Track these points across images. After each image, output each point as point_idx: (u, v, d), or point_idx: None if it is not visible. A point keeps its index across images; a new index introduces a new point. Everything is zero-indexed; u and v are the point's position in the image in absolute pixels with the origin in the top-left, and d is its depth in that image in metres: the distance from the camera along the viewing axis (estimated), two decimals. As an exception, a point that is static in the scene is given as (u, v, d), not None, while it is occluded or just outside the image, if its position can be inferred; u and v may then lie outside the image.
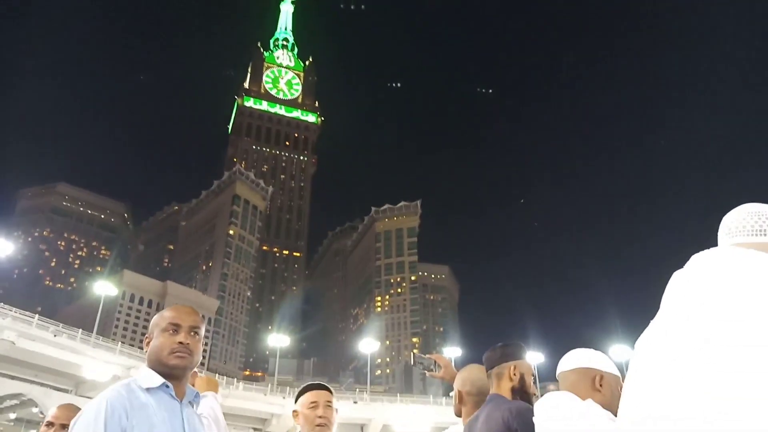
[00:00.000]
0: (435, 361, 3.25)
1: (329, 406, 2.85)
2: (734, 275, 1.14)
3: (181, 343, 2.02)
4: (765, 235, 1.33)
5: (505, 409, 2.27)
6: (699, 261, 1.25)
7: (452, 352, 61.25)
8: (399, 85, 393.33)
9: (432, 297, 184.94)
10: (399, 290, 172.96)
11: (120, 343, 48.92)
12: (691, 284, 1.19)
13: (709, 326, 1.06)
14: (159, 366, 1.99)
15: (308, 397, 2.89)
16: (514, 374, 2.50)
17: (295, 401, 2.98)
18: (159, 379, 1.93)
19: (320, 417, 2.78)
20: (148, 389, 1.91)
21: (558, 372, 2.05)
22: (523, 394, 2.46)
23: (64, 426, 2.86)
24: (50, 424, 3.03)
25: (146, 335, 2.08)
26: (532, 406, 1.99)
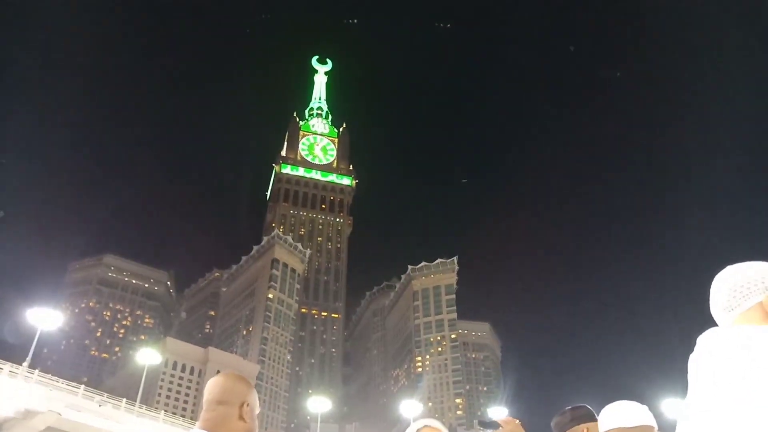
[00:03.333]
0: (499, 425, 3.15)
1: None
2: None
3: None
4: (735, 309, 1.36)
5: None
6: (705, 343, 1.27)
7: (498, 412, 59.35)
8: (430, 142, 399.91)
9: (474, 355, 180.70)
10: (439, 349, 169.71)
11: (163, 411, 49.31)
12: (706, 370, 1.22)
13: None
14: None
15: None
16: None
17: None
18: None
19: None
20: None
21: (619, 427, 2.03)
22: None
23: None
24: None
25: (245, 406, 1.93)
26: None
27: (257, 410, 1.97)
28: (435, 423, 3.07)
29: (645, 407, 2.03)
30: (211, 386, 1.93)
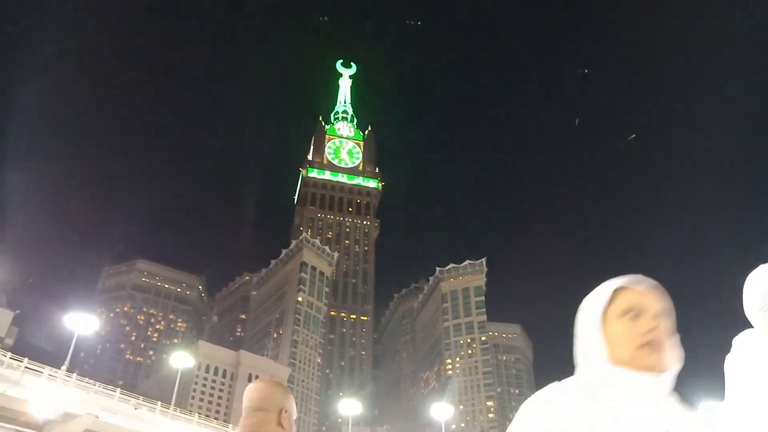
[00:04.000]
0: None
1: None
2: None
3: None
4: None
5: None
6: (741, 345, 1.26)
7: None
8: (455, 143, 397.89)
9: (504, 357, 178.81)
10: (470, 351, 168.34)
11: (197, 414, 49.85)
12: (743, 373, 1.21)
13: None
14: None
15: None
16: None
17: None
18: None
19: None
20: None
21: None
22: None
23: None
24: None
25: (283, 413, 1.97)
26: None
27: (295, 416, 2.02)
28: None
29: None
30: (250, 393, 1.97)
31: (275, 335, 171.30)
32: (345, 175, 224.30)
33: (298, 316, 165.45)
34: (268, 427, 1.91)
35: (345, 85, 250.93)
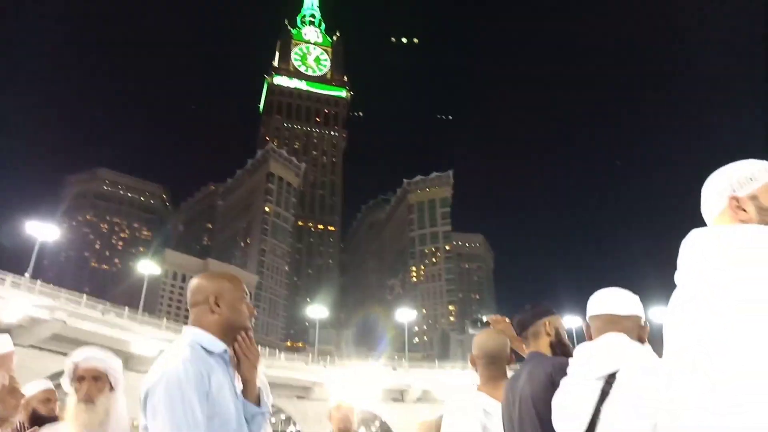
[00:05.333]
0: (480, 320, 3.25)
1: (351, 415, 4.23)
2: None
3: (252, 312, 2.07)
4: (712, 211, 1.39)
5: (548, 365, 2.28)
6: (684, 244, 1.29)
7: (489, 314, 61.32)
8: (427, 55, 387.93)
9: (467, 266, 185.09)
10: (434, 260, 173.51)
11: (165, 319, 50.83)
12: (686, 271, 1.24)
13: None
14: (232, 332, 1.96)
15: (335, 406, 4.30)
16: (549, 330, 2.52)
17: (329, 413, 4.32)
18: (222, 345, 1.90)
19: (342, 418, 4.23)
20: (210, 353, 1.87)
21: (607, 312, 2.02)
22: (562, 347, 2.47)
23: (97, 378, 2.62)
24: (81, 379, 2.62)
25: (210, 297, 1.96)
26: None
27: (233, 298, 1.99)
28: (347, 402, 4.32)
29: (636, 297, 2.01)
30: (187, 293, 2.02)
31: (242, 244, 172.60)
32: (312, 84, 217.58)
33: (265, 226, 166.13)
34: (203, 318, 1.92)
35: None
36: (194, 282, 2.03)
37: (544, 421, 2.15)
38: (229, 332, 1.94)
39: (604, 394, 1.83)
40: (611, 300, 2.02)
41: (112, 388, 2.65)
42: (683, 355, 1.10)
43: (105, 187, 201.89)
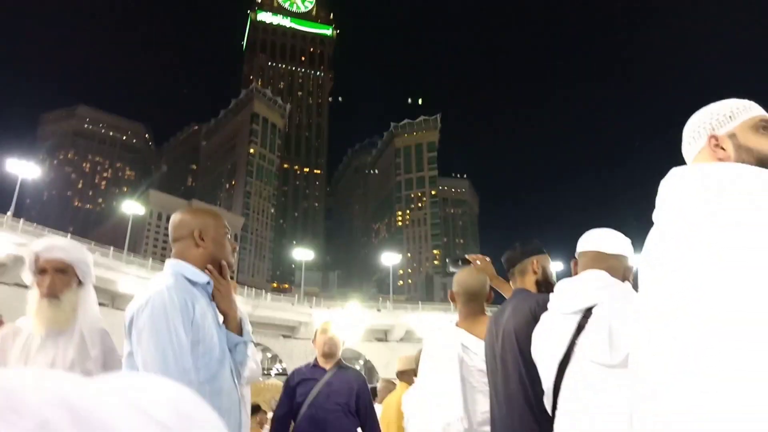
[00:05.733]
0: (469, 261, 3.22)
1: (334, 333, 4.01)
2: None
3: (234, 248, 2.06)
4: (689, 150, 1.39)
5: (532, 300, 2.35)
6: (663, 183, 1.30)
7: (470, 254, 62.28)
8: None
9: (452, 211, 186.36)
10: (420, 205, 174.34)
11: (151, 259, 50.97)
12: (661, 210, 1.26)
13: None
14: (214, 264, 1.96)
15: (321, 327, 4.08)
16: (537, 268, 2.58)
17: (314, 334, 4.09)
18: (205, 277, 1.90)
19: (329, 338, 3.99)
20: (194, 284, 1.87)
21: (595, 249, 2.03)
22: (547, 285, 2.52)
23: (61, 270, 2.32)
24: (43, 271, 2.29)
25: (195, 232, 1.94)
26: None
27: (217, 233, 1.99)
28: (333, 326, 4.08)
29: (626, 239, 2.01)
30: (169, 229, 2.00)
31: (227, 186, 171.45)
32: (297, 21, 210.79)
33: (250, 167, 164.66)
34: (186, 252, 1.92)
35: None
36: (177, 217, 2.01)
37: (525, 355, 2.20)
38: (211, 264, 1.95)
39: (580, 327, 1.86)
40: (600, 238, 2.03)
41: (80, 283, 2.43)
42: (659, 290, 1.11)
43: (86, 125, 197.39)
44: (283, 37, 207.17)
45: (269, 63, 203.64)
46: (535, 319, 2.18)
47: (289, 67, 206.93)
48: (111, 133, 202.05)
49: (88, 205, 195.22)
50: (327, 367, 3.92)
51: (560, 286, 2.02)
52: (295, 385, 3.84)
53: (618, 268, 1.96)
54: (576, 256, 2.10)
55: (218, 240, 1.98)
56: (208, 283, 1.91)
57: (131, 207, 50.18)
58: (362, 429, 3.89)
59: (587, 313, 1.86)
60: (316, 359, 4.00)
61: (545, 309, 2.10)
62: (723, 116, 1.34)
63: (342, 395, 3.74)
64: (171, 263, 1.91)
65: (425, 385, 2.86)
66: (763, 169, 1.14)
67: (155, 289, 1.72)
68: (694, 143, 1.38)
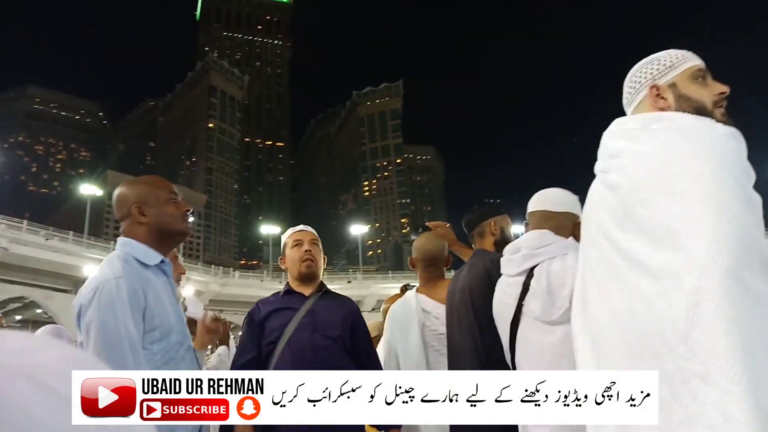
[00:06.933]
0: (421, 225, 3.23)
1: (315, 244, 2.71)
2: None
3: (186, 210, 1.89)
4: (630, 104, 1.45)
5: (487, 259, 2.41)
6: (604, 135, 1.39)
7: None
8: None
9: (418, 178, 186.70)
10: (386, 174, 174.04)
11: (113, 242, 49.63)
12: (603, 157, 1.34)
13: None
14: (168, 238, 1.85)
15: (292, 237, 2.76)
16: (495, 230, 2.61)
17: (282, 250, 2.80)
18: (158, 256, 1.79)
19: (306, 252, 2.63)
20: (146, 266, 1.75)
21: (542, 209, 2.06)
22: (505, 245, 2.46)
23: None
24: None
25: (133, 208, 1.82)
26: None
27: (158, 201, 1.83)
28: (308, 228, 2.84)
29: (573, 196, 2.02)
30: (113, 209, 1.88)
31: (188, 163, 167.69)
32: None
33: (210, 143, 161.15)
34: (132, 231, 1.81)
35: None
36: (115, 194, 1.89)
37: (477, 310, 2.27)
38: (164, 239, 1.82)
39: (525, 287, 1.91)
40: (547, 197, 2.06)
41: None
42: (596, 239, 1.20)
43: (36, 106, 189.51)
44: (239, 4, 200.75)
45: (225, 33, 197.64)
46: (489, 276, 2.25)
47: (245, 37, 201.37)
48: (63, 113, 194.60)
49: (44, 189, 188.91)
50: (307, 292, 2.63)
51: (507, 249, 2.09)
52: (261, 320, 2.53)
53: (566, 226, 1.98)
54: (526, 217, 2.14)
55: (162, 209, 1.82)
56: (162, 261, 1.80)
57: (89, 189, 48.56)
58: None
59: (531, 272, 1.91)
60: (288, 284, 2.72)
61: (499, 267, 2.15)
62: (664, 66, 1.36)
63: (333, 326, 2.48)
64: (121, 242, 1.80)
65: (389, 351, 2.86)
66: (700, 117, 1.22)
67: (103, 277, 1.64)
68: (635, 93, 1.40)
